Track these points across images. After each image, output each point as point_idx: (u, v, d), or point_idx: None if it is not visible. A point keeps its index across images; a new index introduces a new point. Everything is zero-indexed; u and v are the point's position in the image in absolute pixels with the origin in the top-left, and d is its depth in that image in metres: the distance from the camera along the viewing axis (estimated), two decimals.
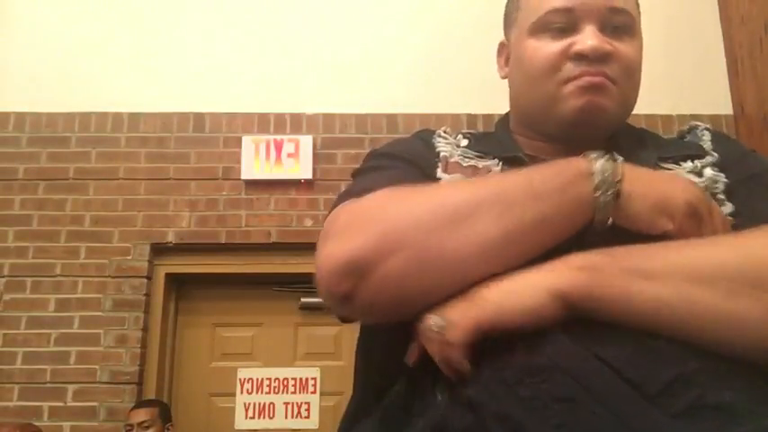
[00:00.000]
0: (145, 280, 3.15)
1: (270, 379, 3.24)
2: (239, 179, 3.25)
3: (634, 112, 0.82)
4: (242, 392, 3.22)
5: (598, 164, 0.62)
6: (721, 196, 0.72)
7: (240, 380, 3.23)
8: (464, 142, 0.83)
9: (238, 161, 3.27)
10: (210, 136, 3.33)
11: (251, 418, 3.19)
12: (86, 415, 2.96)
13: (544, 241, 0.60)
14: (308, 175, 3.24)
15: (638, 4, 0.83)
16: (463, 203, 0.60)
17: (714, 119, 3.22)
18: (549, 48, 0.77)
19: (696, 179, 0.73)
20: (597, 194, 0.61)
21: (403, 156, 0.79)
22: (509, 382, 0.53)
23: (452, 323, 0.56)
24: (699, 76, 3.36)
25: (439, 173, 0.77)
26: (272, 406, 3.21)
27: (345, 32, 3.47)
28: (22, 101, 3.33)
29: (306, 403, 3.21)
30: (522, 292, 0.57)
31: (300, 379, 3.24)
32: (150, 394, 3.05)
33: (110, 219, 3.20)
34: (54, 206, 3.21)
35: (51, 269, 3.14)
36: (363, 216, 0.62)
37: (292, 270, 3.14)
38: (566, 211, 0.61)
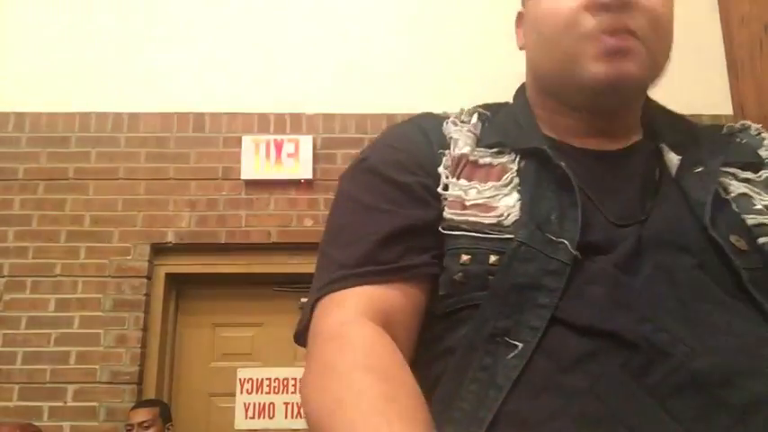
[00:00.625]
0: (145, 280, 3.15)
1: (270, 379, 3.24)
2: (239, 179, 3.25)
3: None
4: (242, 392, 3.22)
5: None
6: None
7: (240, 380, 3.23)
8: (479, 126, 0.75)
9: (238, 161, 3.27)
10: (210, 136, 3.33)
11: (251, 418, 3.19)
12: (86, 415, 2.96)
13: None
14: (308, 175, 3.24)
15: None
16: None
17: (714, 119, 3.21)
18: (565, 1, 0.70)
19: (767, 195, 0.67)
20: None
21: (394, 175, 0.70)
22: None
23: None
24: (699, 76, 3.36)
25: (445, 177, 0.69)
26: (272, 406, 3.21)
27: (346, 33, 3.47)
28: (22, 101, 3.33)
29: None
30: None
31: (300, 379, 3.23)
32: (150, 394, 3.05)
33: (110, 219, 3.20)
34: (54, 206, 3.21)
35: (51, 269, 3.14)
36: (318, 386, 0.58)
37: (292, 270, 3.14)
38: None
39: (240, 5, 3.52)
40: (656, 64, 0.71)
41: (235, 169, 3.27)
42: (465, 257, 0.64)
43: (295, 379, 3.23)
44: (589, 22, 0.68)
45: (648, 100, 0.79)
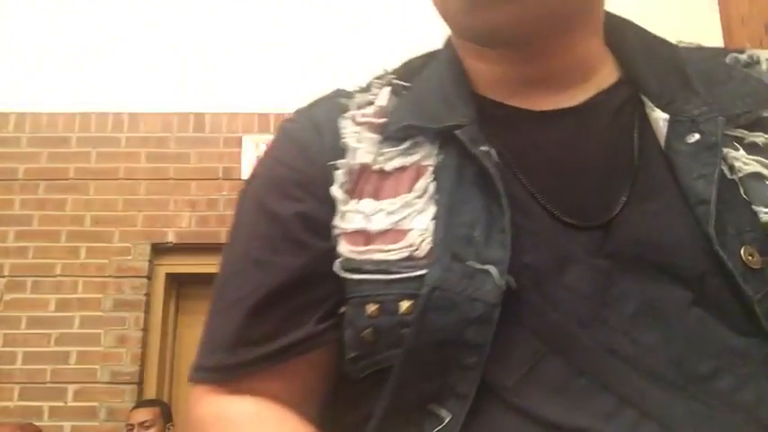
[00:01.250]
0: (145, 280, 3.15)
1: None
2: (239, 179, 3.25)
3: None
4: None
5: None
6: None
7: None
8: (390, 104, 0.58)
9: (238, 161, 3.27)
10: (210, 136, 3.33)
11: None
12: (87, 415, 2.96)
13: None
14: None
15: None
16: None
17: None
18: None
19: None
20: None
21: (271, 205, 0.55)
22: None
23: None
24: None
25: (342, 203, 0.53)
26: None
27: (345, 33, 3.47)
28: (22, 101, 3.33)
29: None
30: None
31: None
32: (150, 394, 3.05)
33: (110, 219, 3.20)
34: (54, 206, 3.21)
35: (51, 269, 3.14)
36: None
37: None
38: None
39: (240, 5, 3.52)
40: None
41: (235, 169, 3.27)
42: (372, 308, 0.49)
43: None
44: None
45: (619, 20, 0.61)
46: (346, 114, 0.58)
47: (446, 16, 0.56)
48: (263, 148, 3.08)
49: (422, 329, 0.46)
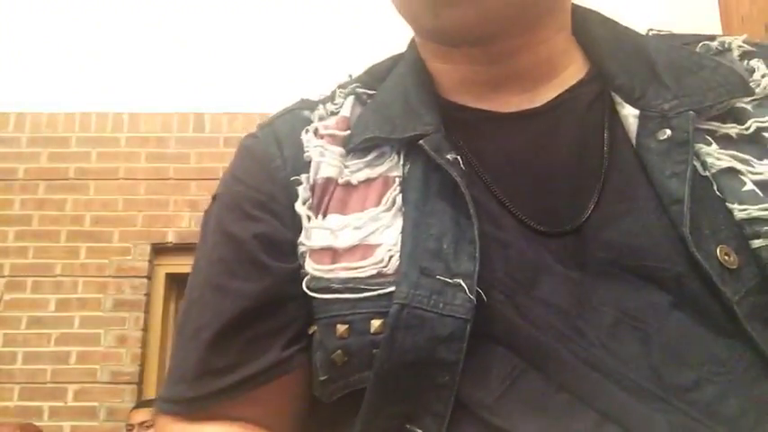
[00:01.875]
0: (145, 280, 3.15)
1: None
2: None
3: None
4: None
5: None
6: None
7: None
8: (354, 114, 0.57)
9: None
10: (210, 136, 3.33)
11: None
12: (87, 415, 2.96)
13: None
14: None
15: None
16: None
17: None
18: None
19: (759, 163, 0.48)
20: None
21: (230, 226, 0.53)
22: None
23: None
24: None
25: (306, 219, 0.51)
26: None
27: (345, 33, 3.47)
28: (22, 101, 3.33)
29: None
30: None
31: None
32: (150, 394, 3.05)
33: (110, 219, 3.20)
34: (54, 206, 3.21)
35: (51, 269, 3.14)
36: None
37: None
38: None
39: (240, 5, 3.52)
40: None
41: None
42: (341, 329, 0.47)
43: None
44: None
45: (587, 12, 0.59)
46: (309, 127, 0.57)
47: (409, 17, 0.54)
48: None
49: (392, 349, 0.45)
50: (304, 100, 0.62)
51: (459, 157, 0.50)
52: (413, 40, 0.61)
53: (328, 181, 0.52)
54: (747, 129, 0.50)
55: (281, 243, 0.51)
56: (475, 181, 0.50)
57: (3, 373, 3.00)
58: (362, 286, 0.47)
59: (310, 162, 0.54)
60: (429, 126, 0.52)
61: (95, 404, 2.97)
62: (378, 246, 0.48)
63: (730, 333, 0.44)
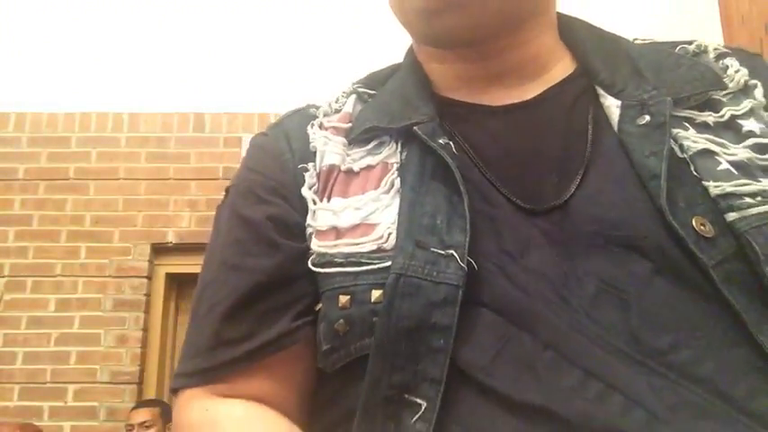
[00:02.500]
0: (145, 280, 3.15)
1: None
2: None
3: None
4: None
5: None
6: None
7: None
8: (356, 111, 0.62)
9: (238, 161, 3.23)
10: (210, 136, 3.33)
11: None
12: (86, 415, 2.96)
13: None
14: None
15: None
16: None
17: None
18: None
19: (734, 146, 0.52)
20: None
21: (245, 211, 0.58)
22: None
23: None
24: None
25: (312, 202, 0.56)
26: None
27: (345, 33, 3.47)
28: (22, 101, 3.33)
29: None
30: None
31: None
32: (150, 394, 3.05)
33: (110, 219, 3.20)
34: (54, 206, 3.22)
35: (51, 269, 3.14)
36: None
37: None
38: None
39: (240, 5, 3.52)
40: None
41: (235, 169, 3.24)
42: (344, 299, 0.50)
43: None
44: None
45: (572, 20, 0.65)
46: (314, 122, 0.62)
47: (405, 23, 0.59)
48: None
49: (391, 316, 0.48)
50: (309, 104, 0.67)
51: (451, 143, 0.55)
52: (411, 47, 0.67)
53: (332, 168, 0.57)
54: (722, 116, 0.54)
55: (292, 225, 0.56)
56: (467, 164, 0.55)
57: (3, 373, 3.01)
58: (363, 260, 0.51)
59: (316, 152, 0.59)
60: (424, 116, 0.57)
61: (95, 404, 2.98)
62: (377, 224, 0.53)
63: (709, 298, 0.46)
